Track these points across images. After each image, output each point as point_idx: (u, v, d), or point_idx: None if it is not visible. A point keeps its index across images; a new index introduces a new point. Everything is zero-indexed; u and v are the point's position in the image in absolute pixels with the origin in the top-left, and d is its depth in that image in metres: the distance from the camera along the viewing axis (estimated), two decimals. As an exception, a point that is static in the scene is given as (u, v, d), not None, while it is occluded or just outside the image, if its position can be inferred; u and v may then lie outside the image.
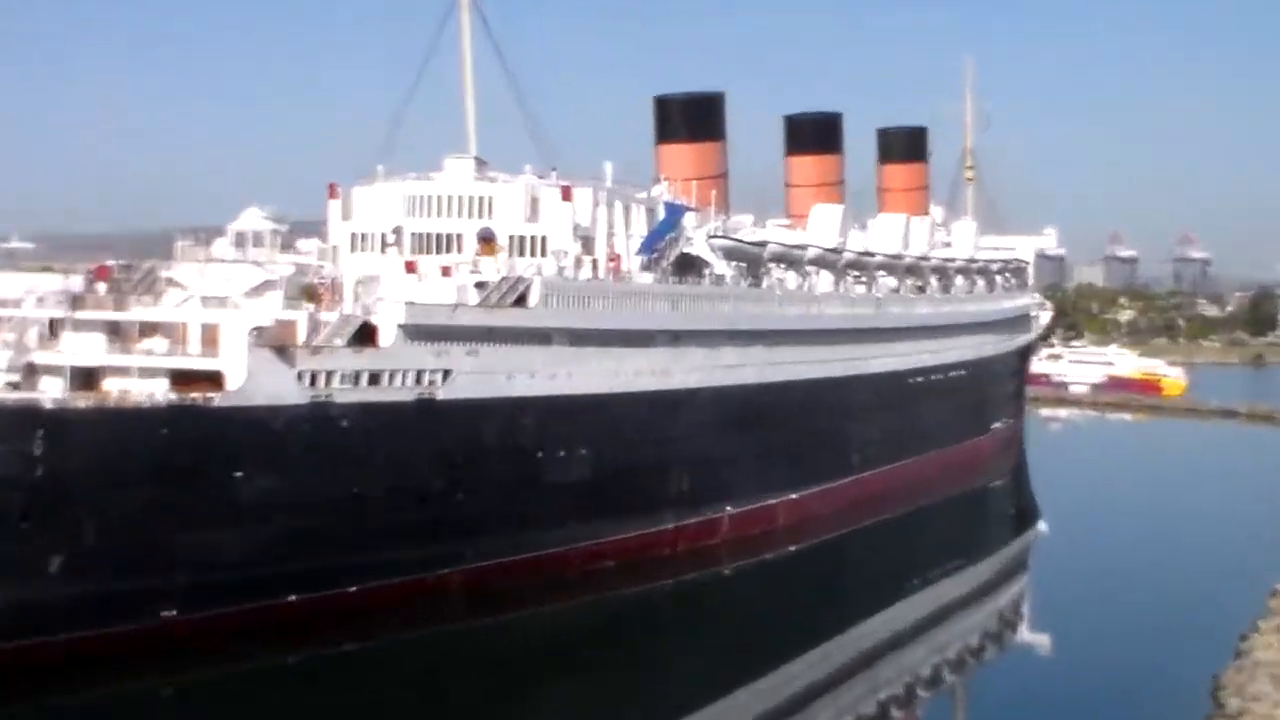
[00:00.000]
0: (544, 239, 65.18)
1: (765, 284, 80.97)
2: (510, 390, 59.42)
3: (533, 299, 60.99)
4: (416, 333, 55.99)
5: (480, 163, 68.55)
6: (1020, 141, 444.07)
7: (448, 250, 64.27)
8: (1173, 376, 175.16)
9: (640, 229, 71.14)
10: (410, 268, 60.73)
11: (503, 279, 60.83)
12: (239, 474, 49.77)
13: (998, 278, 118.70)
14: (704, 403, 70.55)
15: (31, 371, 51.79)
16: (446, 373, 56.88)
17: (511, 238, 64.80)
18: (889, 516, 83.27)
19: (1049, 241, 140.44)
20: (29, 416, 46.59)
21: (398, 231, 65.24)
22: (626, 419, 65.10)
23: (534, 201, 66.34)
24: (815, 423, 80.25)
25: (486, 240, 64.12)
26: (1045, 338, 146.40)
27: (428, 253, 64.01)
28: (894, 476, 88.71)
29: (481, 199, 65.89)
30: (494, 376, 58.81)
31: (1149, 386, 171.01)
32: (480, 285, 60.37)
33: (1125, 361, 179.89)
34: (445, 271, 60.54)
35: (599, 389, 63.92)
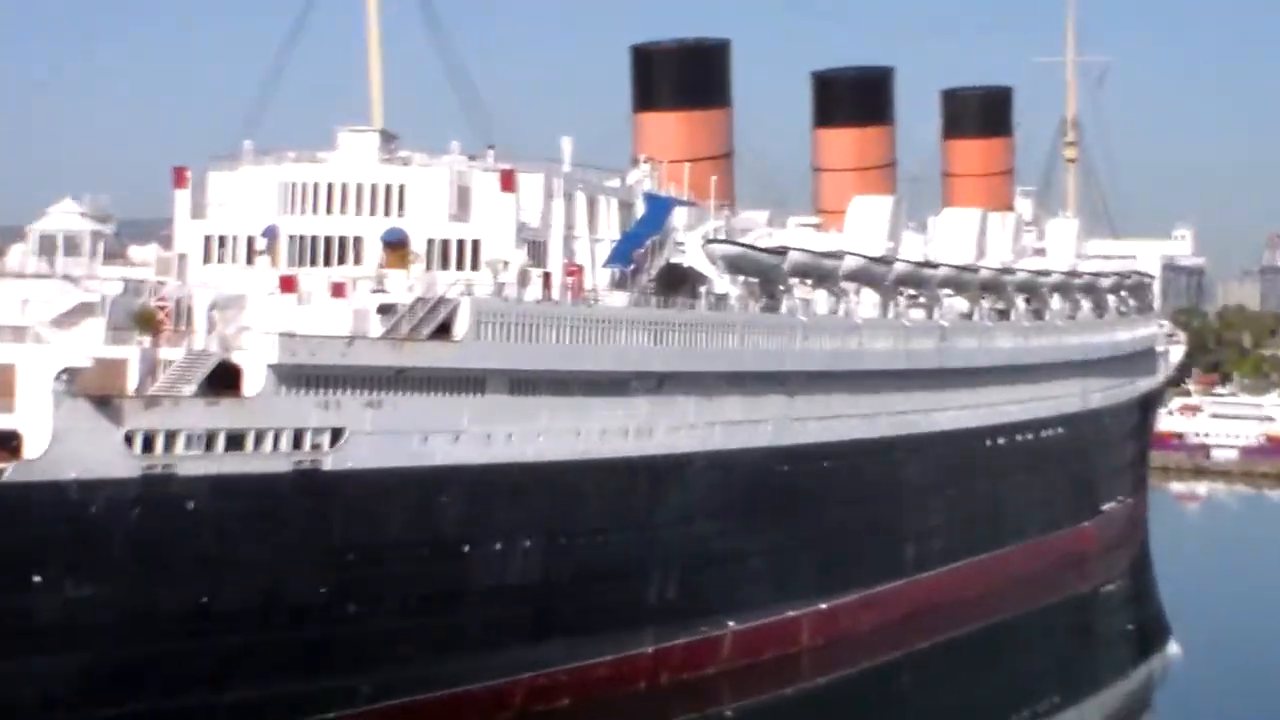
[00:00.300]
0: (476, 244, 65.17)
1: (785, 307, 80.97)
2: (427, 457, 59.29)
3: (460, 329, 60.82)
4: (296, 376, 55.68)
5: (388, 138, 68.54)
6: (1143, 109, 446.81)
7: (341, 260, 64.24)
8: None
9: (611, 230, 71.36)
10: (288, 285, 60.60)
11: (418, 300, 60.72)
12: (38, 579, 49.20)
13: (1110, 298, 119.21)
14: (699, 474, 70.54)
15: None
16: (337, 432, 56.66)
17: (431, 242, 64.79)
18: (957, 634, 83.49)
19: (1182, 247, 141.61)
20: None
21: (271, 233, 65.09)
22: (590, 497, 65.01)
23: (462, 192, 66.41)
24: (854, 502, 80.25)
25: (396, 246, 64.07)
26: (1177, 382, 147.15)
27: (313, 264, 64.01)
28: (965, 579, 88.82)
29: (389, 188, 65.83)
30: (404, 437, 58.65)
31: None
32: (386, 309, 60.23)
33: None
34: (337, 290, 60.37)
35: (551, 454, 63.80)
